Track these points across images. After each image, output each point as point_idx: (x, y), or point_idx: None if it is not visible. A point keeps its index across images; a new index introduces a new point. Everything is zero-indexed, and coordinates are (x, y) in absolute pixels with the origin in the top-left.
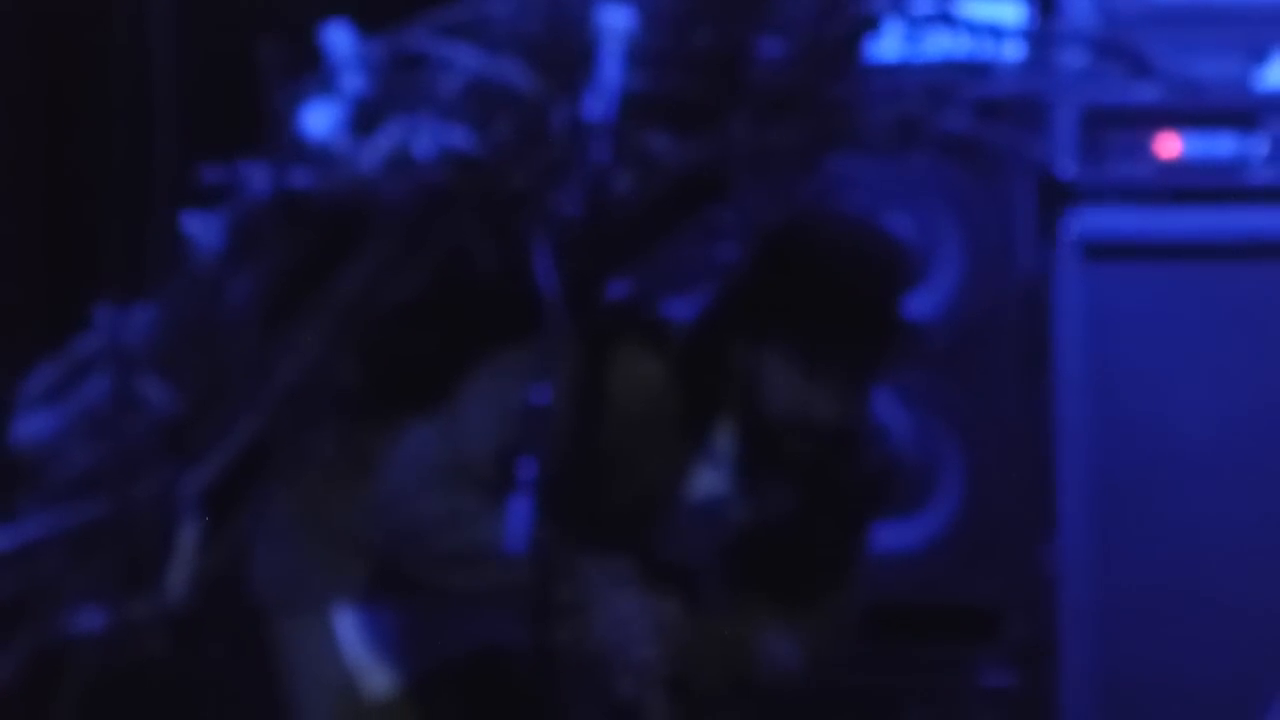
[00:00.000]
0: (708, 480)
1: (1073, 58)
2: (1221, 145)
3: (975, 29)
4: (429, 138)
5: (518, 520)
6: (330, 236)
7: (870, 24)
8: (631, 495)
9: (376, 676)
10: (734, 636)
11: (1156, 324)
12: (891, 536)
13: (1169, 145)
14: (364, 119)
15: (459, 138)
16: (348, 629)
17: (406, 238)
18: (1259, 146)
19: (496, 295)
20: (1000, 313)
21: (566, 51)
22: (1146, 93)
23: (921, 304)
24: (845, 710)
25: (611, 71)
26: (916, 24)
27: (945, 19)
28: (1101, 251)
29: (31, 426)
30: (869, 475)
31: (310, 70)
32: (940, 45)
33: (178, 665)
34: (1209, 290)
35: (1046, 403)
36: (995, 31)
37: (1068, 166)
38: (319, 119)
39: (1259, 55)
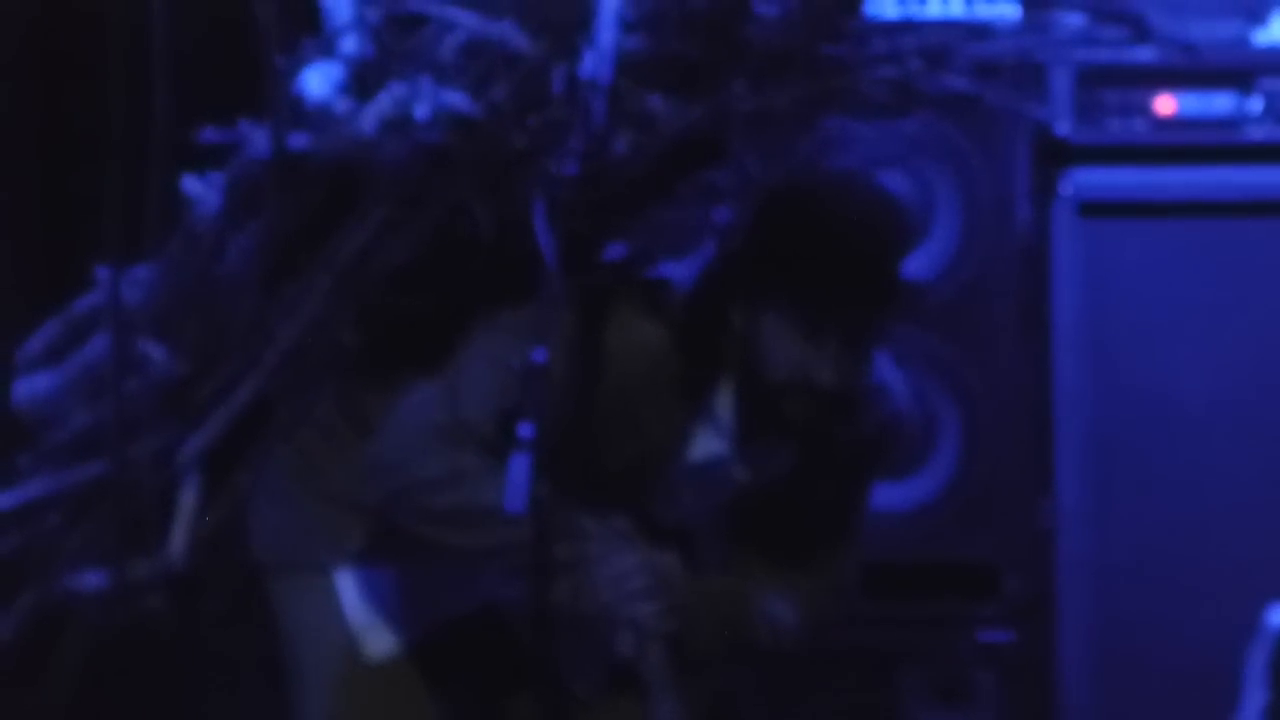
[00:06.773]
0: (706, 441)
1: (1070, 17)
2: (1217, 104)
3: None
4: (428, 99)
5: (517, 479)
6: (329, 198)
7: None
8: (630, 456)
9: (376, 636)
10: (732, 596)
11: (1153, 281)
12: (890, 496)
13: (1165, 104)
14: (363, 80)
15: (457, 99)
16: (347, 589)
17: (405, 199)
18: (1254, 105)
19: (495, 256)
20: (998, 271)
21: (565, 12)
22: (1143, 52)
23: (920, 263)
24: (844, 669)
25: (609, 32)
26: None
27: None
28: (1098, 210)
29: (32, 387)
30: (868, 435)
31: (309, 31)
32: (938, 5)
33: (177, 625)
34: (1205, 248)
35: (1044, 360)
36: None
37: (1065, 125)
38: (318, 80)
39: (1255, 15)
